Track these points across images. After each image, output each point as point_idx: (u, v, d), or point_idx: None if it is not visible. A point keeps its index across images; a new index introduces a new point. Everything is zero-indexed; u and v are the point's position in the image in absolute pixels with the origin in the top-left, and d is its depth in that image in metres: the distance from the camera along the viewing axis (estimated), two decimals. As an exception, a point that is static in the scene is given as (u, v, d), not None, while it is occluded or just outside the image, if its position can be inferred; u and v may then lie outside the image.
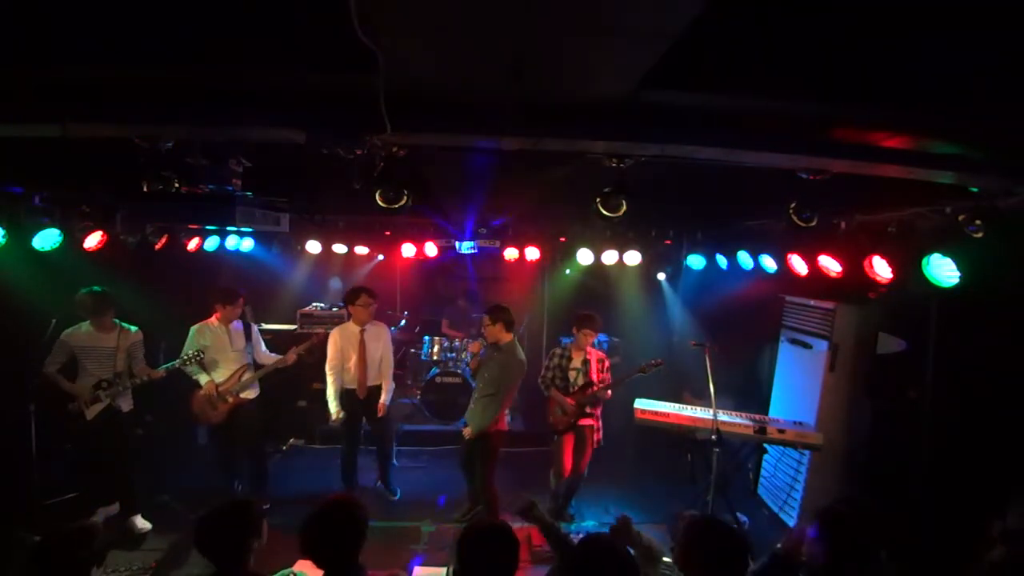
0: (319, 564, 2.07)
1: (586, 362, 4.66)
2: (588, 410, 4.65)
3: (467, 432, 4.37)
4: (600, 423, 4.75)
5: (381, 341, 4.89)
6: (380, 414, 4.82)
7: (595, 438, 4.71)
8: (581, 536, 2.18)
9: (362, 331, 4.77)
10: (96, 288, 4.12)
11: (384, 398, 4.85)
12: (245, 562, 2.14)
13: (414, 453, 6.10)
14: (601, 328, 4.72)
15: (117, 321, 4.25)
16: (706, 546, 2.05)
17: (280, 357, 4.71)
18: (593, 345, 4.88)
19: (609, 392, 4.67)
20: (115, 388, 4.15)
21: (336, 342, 4.74)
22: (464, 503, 4.83)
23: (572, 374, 4.67)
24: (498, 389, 4.22)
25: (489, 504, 4.38)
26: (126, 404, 4.32)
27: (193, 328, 4.49)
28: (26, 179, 3.90)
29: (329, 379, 4.73)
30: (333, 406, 4.72)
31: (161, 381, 4.36)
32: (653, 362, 4.62)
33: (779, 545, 2.41)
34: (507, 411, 4.47)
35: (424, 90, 2.23)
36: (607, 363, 4.80)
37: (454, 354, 6.92)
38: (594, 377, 4.63)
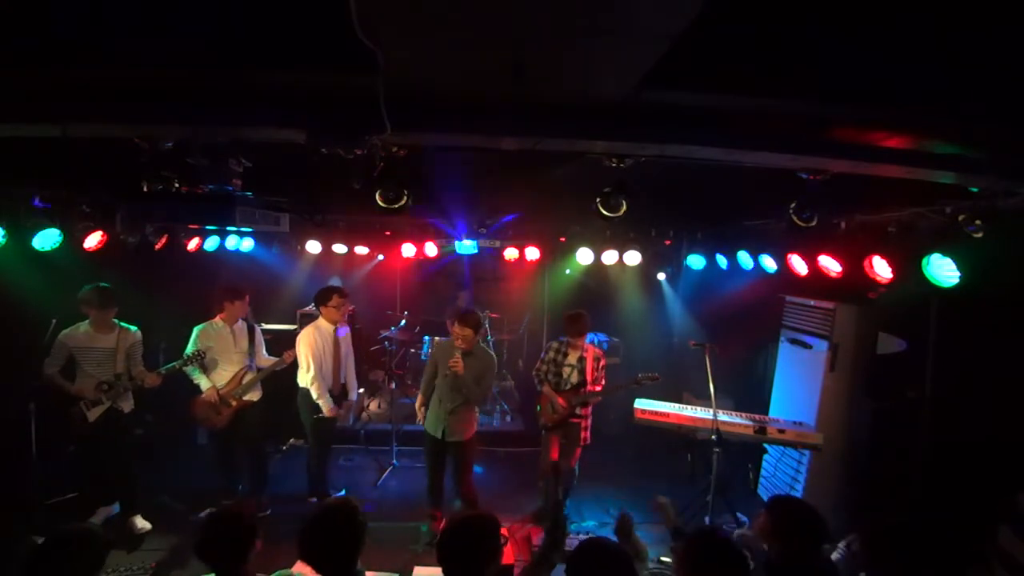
0: (318, 570, 2.05)
1: (582, 360, 4.64)
2: (578, 411, 4.64)
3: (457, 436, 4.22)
4: (589, 422, 4.74)
5: (348, 341, 4.89)
6: (349, 410, 4.93)
7: (583, 436, 4.70)
8: (581, 537, 2.17)
9: (335, 331, 4.72)
10: (102, 283, 4.10)
11: (352, 395, 4.88)
12: (245, 564, 2.15)
13: (414, 453, 6.08)
14: (585, 330, 4.63)
15: (117, 321, 4.24)
16: (708, 560, 2.02)
17: (277, 360, 4.67)
18: (594, 344, 4.88)
19: (599, 396, 4.68)
20: (116, 390, 4.13)
21: (314, 341, 4.55)
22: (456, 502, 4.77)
23: (566, 371, 4.65)
24: (475, 395, 4.12)
25: (472, 505, 4.33)
26: (127, 405, 4.30)
27: (197, 328, 4.46)
28: (26, 179, 3.90)
29: (315, 383, 4.52)
30: (327, 403, 4.55)
31: (161, 382, 4.33)
32: (650, 376, 4.58)
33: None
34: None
35: (424, 90, 2.24)
36: (603, 362, 4.77)
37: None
38: (589, 376, 4.62)
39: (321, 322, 4.67)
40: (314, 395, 4.54)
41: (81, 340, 4.08)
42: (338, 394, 4.74)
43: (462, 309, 4.40)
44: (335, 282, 7.61)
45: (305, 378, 4.55)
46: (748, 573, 2.03)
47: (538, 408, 4.78)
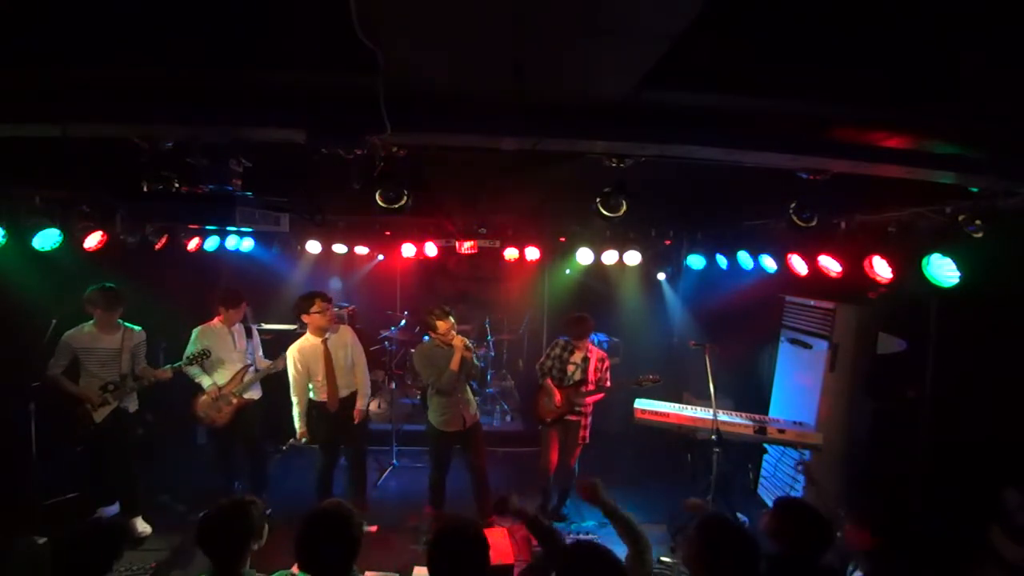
0: (315, 574, 2.03)
1: (586, 359, 4.70)
2: (577, 408, 4.68)
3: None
4: (589, 420, 4.77)
5: (347, 345, 4.46)
6: (356, 420, 4.43)
7: (582, 435, 4.74)
8: (576, 536, 2.15)
9: (324, 341, 4.32)
10: (107, 284, 4.10)
11: (360, 403, 4.46)
12: (243, 562, 2.14)
13: (414, 453, 6.08)
14: (587, 333, 4.69)
15: (121, 321, 4.22)
16: (721, 547, 1.99)
17: (272, 363, 4.61)
18: (595, 344, 4.90)
19: (591, 395, 4.71)
20: (121, 390, 4.12)
21: (297, 360, 4.26)
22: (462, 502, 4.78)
23: (570, 368, 4.71)
24: (477, 367, 4.59)
25: (488, 488, 4.48)
26: (132, 405, 4.30)
27: (196, 330, 4.47)
28: (26, 179, 3.90)
29: (294, 400, 4.31)
30: (300, 425, 4.32)
31: (162, 381, 4.32)
32: (651, 377, 4.61)
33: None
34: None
35: (424, 90, 2.24)
36: (607, 363, 4.81)
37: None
38: (591, 376, 4.67)
39: (306, 337, 4.36)
40: (294, 412, 4.34)
41: (85, 341, 4.08)
42: (335, 409, 4.34)
43: (435, 309, 4.31)
44: (335, 283, 7.63)
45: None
46: (759, 558, 1.98)
47: (544, 402, 4.81)
